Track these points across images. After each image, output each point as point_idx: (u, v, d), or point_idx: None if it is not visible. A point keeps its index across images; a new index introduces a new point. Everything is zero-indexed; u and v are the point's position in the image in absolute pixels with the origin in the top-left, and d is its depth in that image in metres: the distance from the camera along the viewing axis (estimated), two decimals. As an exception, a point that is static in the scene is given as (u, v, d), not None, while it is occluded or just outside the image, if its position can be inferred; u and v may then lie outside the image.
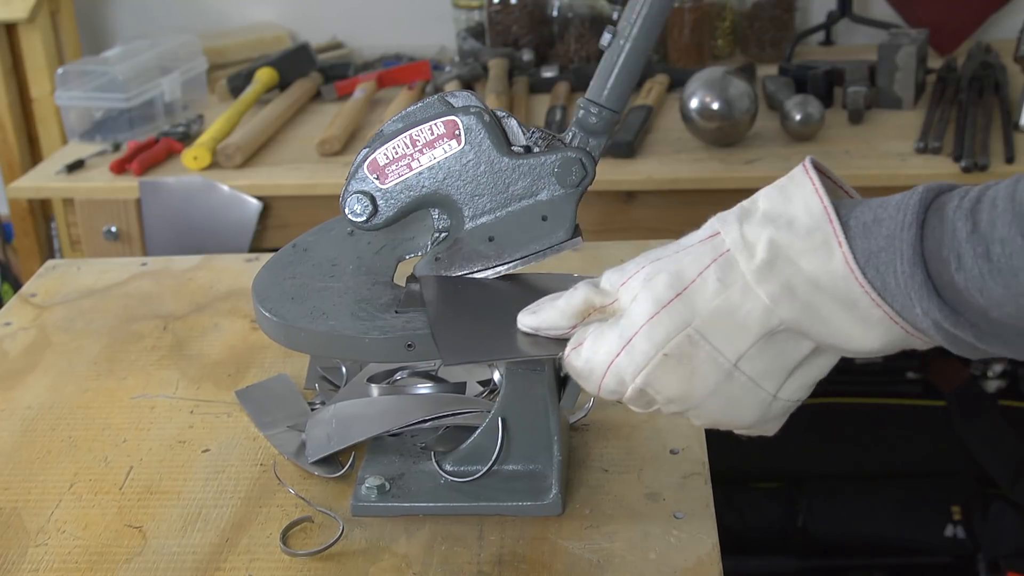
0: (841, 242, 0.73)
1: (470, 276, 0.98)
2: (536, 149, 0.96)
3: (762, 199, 0.77)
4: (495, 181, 0.95)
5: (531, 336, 0.86)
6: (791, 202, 0.75)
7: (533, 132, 0.97)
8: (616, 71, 0.93)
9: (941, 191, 0.72)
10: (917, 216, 0.70)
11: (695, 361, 0.78)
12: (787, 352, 0.77)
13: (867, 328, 0.74)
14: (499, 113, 0.96)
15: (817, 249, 0.73)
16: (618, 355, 0.79)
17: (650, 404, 0.82)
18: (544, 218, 0.96)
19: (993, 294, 0.68)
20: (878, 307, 0.72)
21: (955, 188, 0.72)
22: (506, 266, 0.97)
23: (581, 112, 0.95)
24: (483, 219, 0.96)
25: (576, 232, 0.97)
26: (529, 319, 0.85)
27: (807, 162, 0.77)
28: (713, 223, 0.79)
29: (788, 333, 0.76)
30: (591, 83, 0.95)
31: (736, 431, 0.83)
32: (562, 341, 0.84)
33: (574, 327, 0.83)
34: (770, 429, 0.82)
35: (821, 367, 0.80)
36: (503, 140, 0.95)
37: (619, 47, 0.93)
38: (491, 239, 0.96)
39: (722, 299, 0.76)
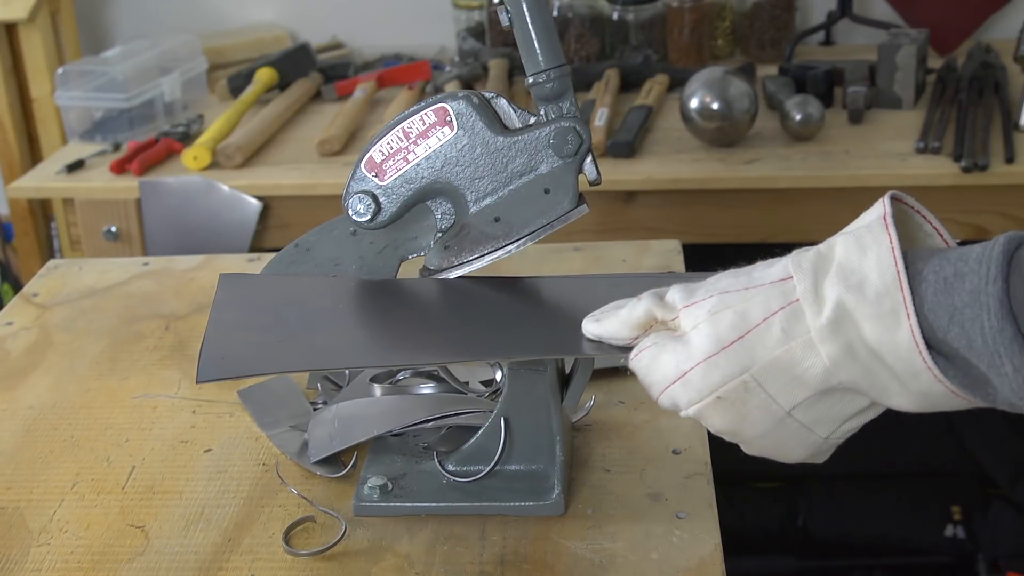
0: (910, 314, 0.70)
1: (301, 275, 0.96)
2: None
3: (839, 246, 0.74)
4: (493, 161, 0.96)
5: (596, 343, 0.85)
6: (866, 257, 0.73)
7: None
8: (534, 34, 0.94)
9: (1023, 242, 0.69)
10: (1001, 269, 0.68)
11: (748, 406, 0.77)
12: (843, 404, 0.77)
13: (924, 397, 0.73)
14: (487, 94, 0.97)
15: (884, 317, 0.71)
16: (673, 383, 0.79)
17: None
18: (547, 191, 0.96)
19: None
20: (939, 383, 0.71)
21: None
22: (516, 244, 0.97)
23: (535, 89, 0.95)
24: (486, 201, 0.96)
25: (580, 200, 0.97)
26: (593, 327, 0.85)
27: (887, 206, 0.74)
28: (788, 265, 0.76)
29: (846, 390, 0.76)
30: (524, 63, 0.95)
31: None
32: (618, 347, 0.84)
33: (636, 337, 0.82)
34: (819, 460, 0.82)
35: (876, 411, 0.78)
36: (495, 120, 0.95)
37: (521, 14, 0.94)
38: (497, 219, 0.96)
39: (783, 350, 0.75)
